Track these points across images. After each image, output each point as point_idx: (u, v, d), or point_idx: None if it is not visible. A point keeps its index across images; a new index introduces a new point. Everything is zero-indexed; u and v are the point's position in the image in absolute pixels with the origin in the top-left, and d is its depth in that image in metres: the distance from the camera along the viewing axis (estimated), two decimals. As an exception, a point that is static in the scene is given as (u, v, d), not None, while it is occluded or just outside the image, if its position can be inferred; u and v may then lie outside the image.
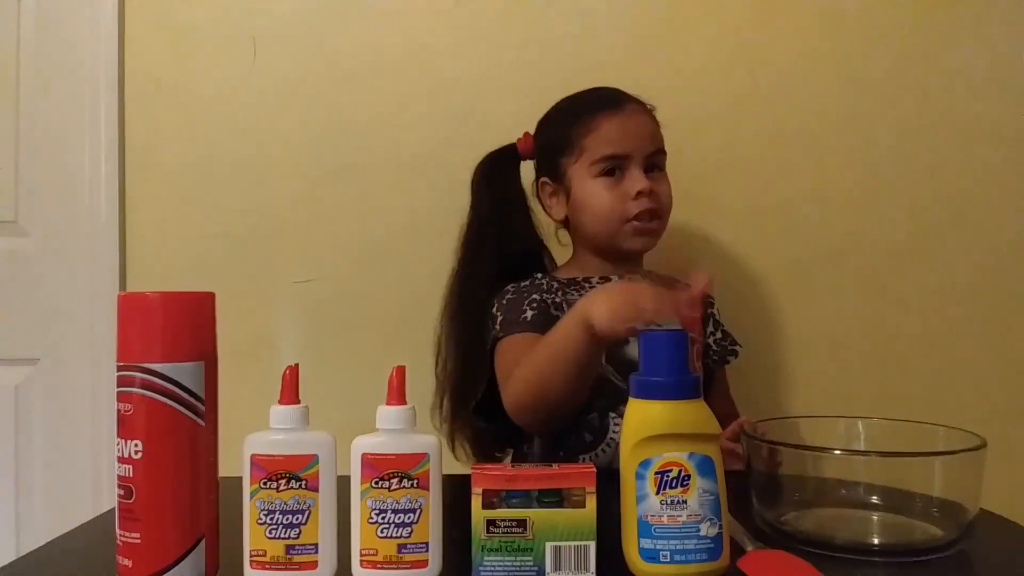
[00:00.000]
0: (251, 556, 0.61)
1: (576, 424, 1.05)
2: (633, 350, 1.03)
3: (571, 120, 1.12)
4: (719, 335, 1.16)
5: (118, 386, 0.60)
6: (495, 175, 1.19)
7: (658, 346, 0.65)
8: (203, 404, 0.61)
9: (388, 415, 0.62)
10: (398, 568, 0.61)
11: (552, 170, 1.14)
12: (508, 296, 1.10)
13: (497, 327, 1.07)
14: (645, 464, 0.62)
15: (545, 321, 1.03)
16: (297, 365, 0.64)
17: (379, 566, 0.61)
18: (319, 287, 1.38)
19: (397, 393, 0.63)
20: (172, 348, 0.60)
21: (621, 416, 0.95)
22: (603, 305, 0.83)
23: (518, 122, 1.35)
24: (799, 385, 1.34)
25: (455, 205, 1.36)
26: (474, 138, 1.36)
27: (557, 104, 1.16)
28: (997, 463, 0.74)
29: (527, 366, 0.95)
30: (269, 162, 1.38)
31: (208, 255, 1.38)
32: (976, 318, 1.34)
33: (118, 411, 0.60)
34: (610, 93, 1.13)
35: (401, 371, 0.64)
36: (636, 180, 1.06)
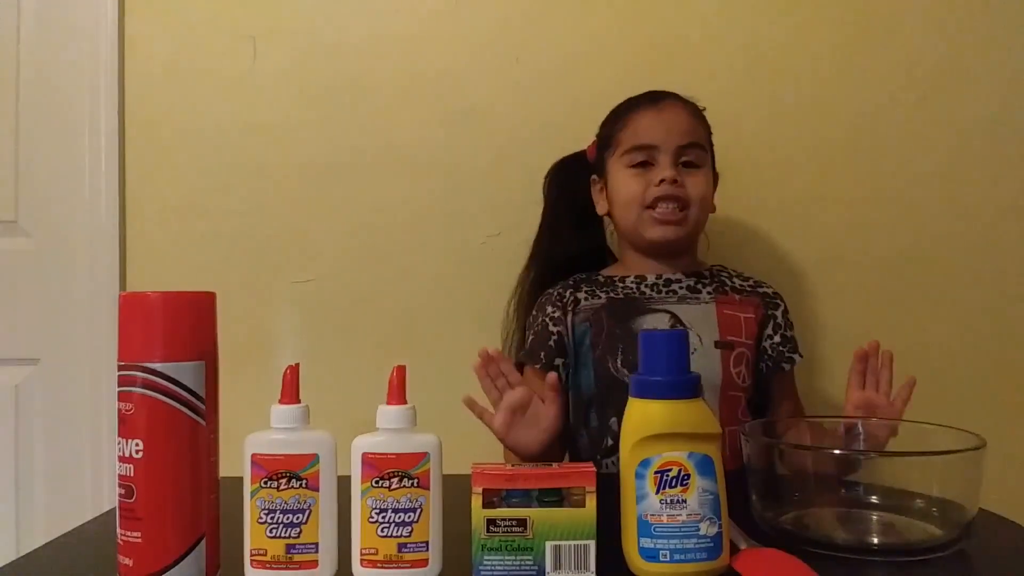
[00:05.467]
0: (252, 555, 0.61)
1: (598, 430, 1.08)
2: None
3: (613, 118, 1.16)
4: (777, 339, 1.12)
5: (119, 385, 0.60)
6: (564, 179, 1.23)
7: (658, 346, 0.65)
8: (204, 404, 0.61)
9: (388, 415, 0.62)
10: (398, 567, 0.61)
11: (599, 167, 1.17)
12: (532, 311, 1.17)
13: (513, 340, 1.20)
14: (645, 464, 0.62)
15: (538, 347, 1.11)
16: (297, 365, 0.64)
17: (379, 565, 0.61)
18: (319, 287, 1.38)
19: (397, 393, 0.63)
20: (173, 348, 0.60)
21: None
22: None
23: (519, 121, 1.36)
24: (799, 385, 1.34)
25: (455, 205, 1.37)
26: (474, 138, 1.36)
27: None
28: (997, 463, 0.74)
29: None
30: (269, 161, 1.38)
31: (208, 255, 1.38)
32: (976, 317, 1.34)
33: (119, 410, 0.60)
34: (653, 92, 1.15)
35: (401, 371, 0.64)
36: (662, 169, 1.08)
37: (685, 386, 0.63)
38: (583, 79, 1.35)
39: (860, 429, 0.87)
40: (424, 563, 0.61)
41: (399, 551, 0.61)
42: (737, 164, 1.35)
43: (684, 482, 0.61)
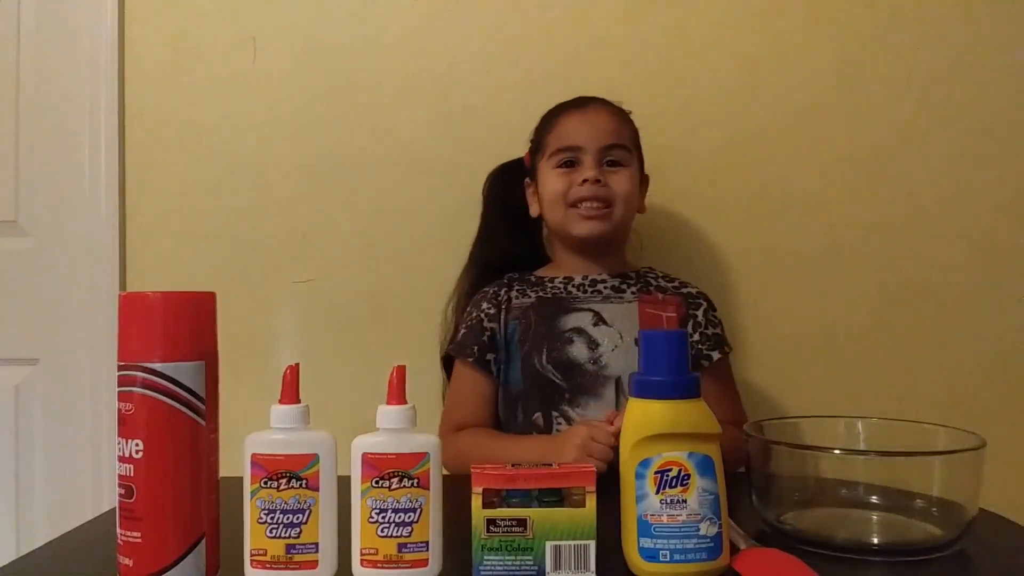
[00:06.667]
0: (251, 555, 0.61)
1: (524, 425, 1.11)
2: (573, 350, 1.10)
3: (542, 123, 1.20)
4: (696, 337, 1.13)
5: (119, 385, 0.60)
6: (500, 185, 1.27)
7: (658, 346, 0.65)
8: (204, 404, 0.61)
9: (388, 415, 0.62)
10: (398, 567, 0.61)
11: (532, 170, 1.21)
12: (468, 307, 1.20)
13: (449, 338, 1.20)
14: (645, 463, 0.62)
15: (471, 342, 1.14)
16: (297, 365, 0.64)
17: (379, 565, 0.61)
18: (319, 287, 1.38)
19: (397, 393, 0.63)
20: (173, 348, 0.60)
21: (562, 415, 1.07)
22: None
23: (518, 121, 1.35)
24: (799, 385, 1.34)
25: (455, 204, 1.37)
26: (474, 138, 1.37)
27: None
28: (997, 463, 0.74)
29: (469, 452, 1.03)
30: (269, 162, 1.38)
31: (208, 255, 1.38)
32: (976, 317, 1.34)
33: (119, 411, 0.60)
34: (580, 97, 1.19)
35: (401, 371, 0.64)
36: (585, 169, 1.12)
37: (685, 386, 0.63)
38: (583, 79, 1.35)
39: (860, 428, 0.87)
40: (424, 563, 0.61)
41: (399, 551, 0.61)
42: (737, 163, 1.36)
43: (684, 482, 0.61)
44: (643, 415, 0.63)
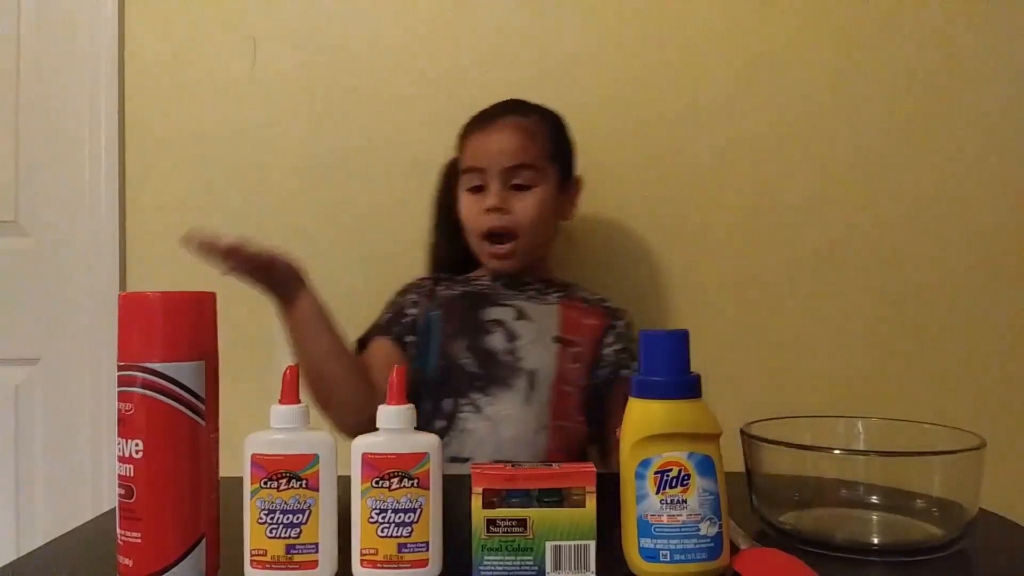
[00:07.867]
0: (251, 555, 0.61)
1: (432, 412, 1.09)
2: (492, 340, 1.10)
3: (460, 134, 1.18)
4: (618, 346, 1.14)
5: (119, 386, 0.60)
6: (443, 185, 1.25)
7: (658, 346, 0.65)
8: (204, 404, 0.61)
9: (388, 415, 0.62)
10: (398, 567, 0.61)
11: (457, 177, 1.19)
12: (393, 297, 1.20)
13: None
14: (645, 464, 0.62)
15: (391, 323, 1.15)
16: (297, 365, 0.64)
17: (379, 565, 0.61)
18: (319, 287, 1.37)
19: (397, 393, 0.63)
20: (173, 348, 0.60)
21: (470, 403, 1.06)
22: None
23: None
24: (799, 385, 1.34)
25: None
26: (474, 138, 1.36)
27: None
28: (997, 463, 0.74)
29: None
30: (269, 162, 1.38)
31: (208, 255, 1.38)
32: (976, 317, 1.35)
33: (119, 411, 0.60)
34: (489, 111, 1.16)
35: (401, 371, 0.64)
36: (488, 195, 1.10)
37: (685, 386, 0.63)
38: (583, 80, 1.35)
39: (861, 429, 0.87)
40: (424, 563, 0.61)
41: (399, 551, 0.61)
42: (737, 164, 1.36)
43: (684, 482, 0.61)
44: (643, 415, 0.63)
